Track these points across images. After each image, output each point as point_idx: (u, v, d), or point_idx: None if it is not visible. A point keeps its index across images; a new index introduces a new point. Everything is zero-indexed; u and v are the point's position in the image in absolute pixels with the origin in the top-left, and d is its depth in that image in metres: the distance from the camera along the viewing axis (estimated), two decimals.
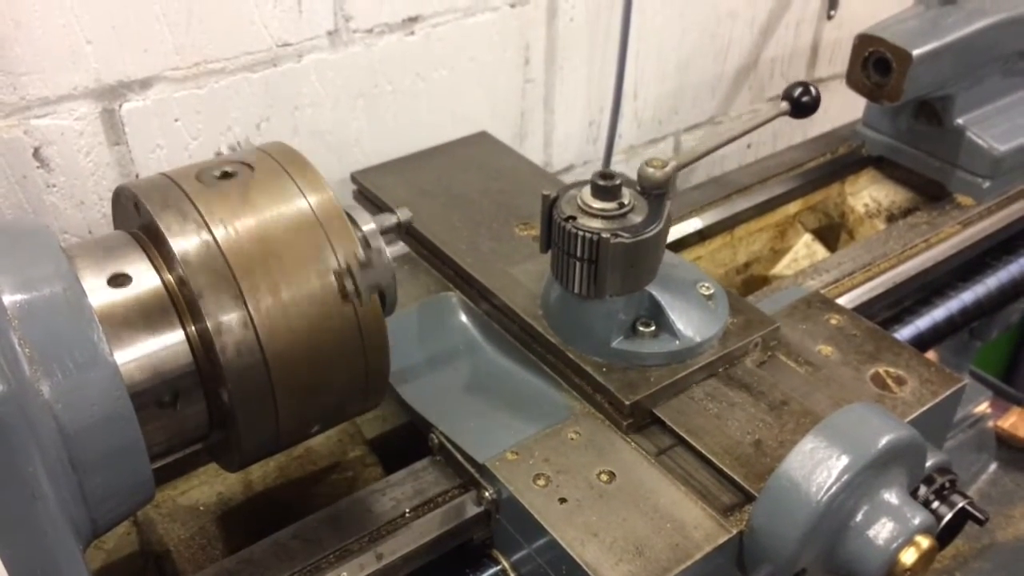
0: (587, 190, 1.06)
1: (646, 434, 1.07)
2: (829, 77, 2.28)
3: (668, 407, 1.07)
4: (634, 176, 1.07)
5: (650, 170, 1.05)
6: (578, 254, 1.04)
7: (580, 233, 1.03)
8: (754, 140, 2.23)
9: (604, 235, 1.02)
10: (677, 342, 1.09)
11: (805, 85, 1.12)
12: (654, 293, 1.10)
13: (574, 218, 1.04)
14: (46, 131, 1.27)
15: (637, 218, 1.05)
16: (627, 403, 1.04)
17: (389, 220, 0.96)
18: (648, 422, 1.07)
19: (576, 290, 1.07)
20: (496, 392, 1.14)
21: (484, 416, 1.10)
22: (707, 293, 1.14)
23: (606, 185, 1.05)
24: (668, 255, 1.13)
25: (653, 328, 1.10)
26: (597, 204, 1.05)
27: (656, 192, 1.06)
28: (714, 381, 1.11)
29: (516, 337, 1.19)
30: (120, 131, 1.33)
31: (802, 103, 1.12)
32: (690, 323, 1.10)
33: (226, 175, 0.86)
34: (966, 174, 1.57)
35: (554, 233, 1.06)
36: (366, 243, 0.89)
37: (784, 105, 1.13)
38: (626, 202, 1.05)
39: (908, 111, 1.62)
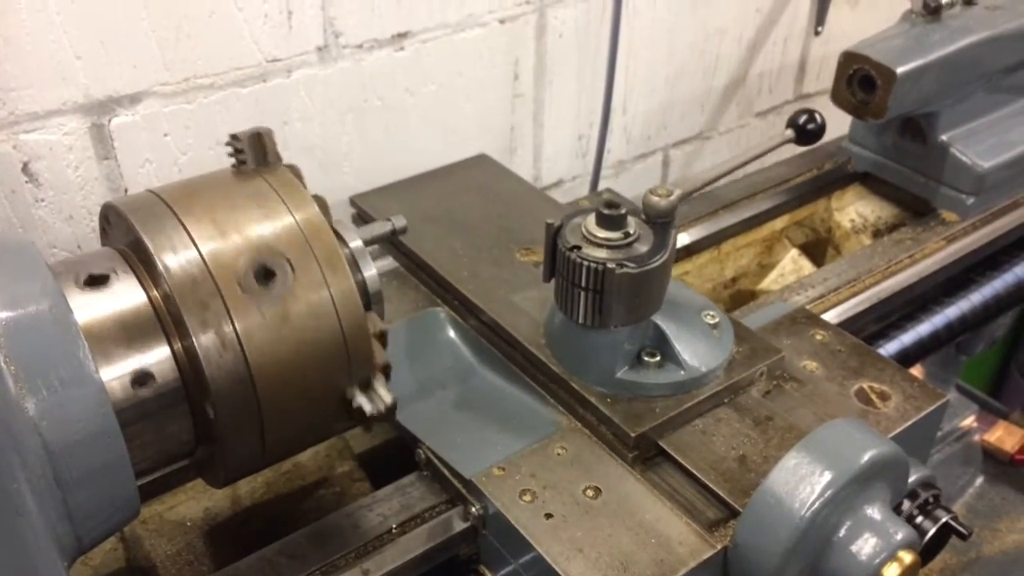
0: (592, 218, 1.05)
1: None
2: (816, 93, 2.30)
3: (674, 439, 1.06)
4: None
5: (655, 198, 1.04)
6: (583, 284, 1.03)
7: (585, 263, 1.01)
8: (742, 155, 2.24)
9: (609, 265, 1.00)
10: (683, 372, 1.08)
11: (810, 112, 1.12)
12: (659, 323, 1.09)
13: (579, 247, 1.03)
14: (35, 146, 1.28)
15: (643, 247, 1.04)
16: (632, 435, 1.03)
17: (384, 228, 0.97)
18: (654, 454, 1.06)
19: (580, 320, 1.05)
20: (483, 407, 1.15)
21: (471, 431, 1.10)
22: (712, 322, 1.13)
23: (611, 214, 1.03)
24: (672, 283, 1.11)
25: (658, 358, 1.09)
26: (602, 233, 1.03)
27: (661, 221, 1.05)
28: (720, 412, 1.09)
29: (519, 366, 1.17)
30: (109, 146, 1.34)
31: (807, 130, 1.13)
32: (696, 353, 1.09)
33: None
34: (950, 190, 1.59)
35: (558, 262, 1.05)
36: (355, 264, 0.89)
37: (789, 132, 1.13)
38: (631, 231, 1.04)
39: (893, 128, 1.63)
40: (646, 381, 1.08)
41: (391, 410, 0.87)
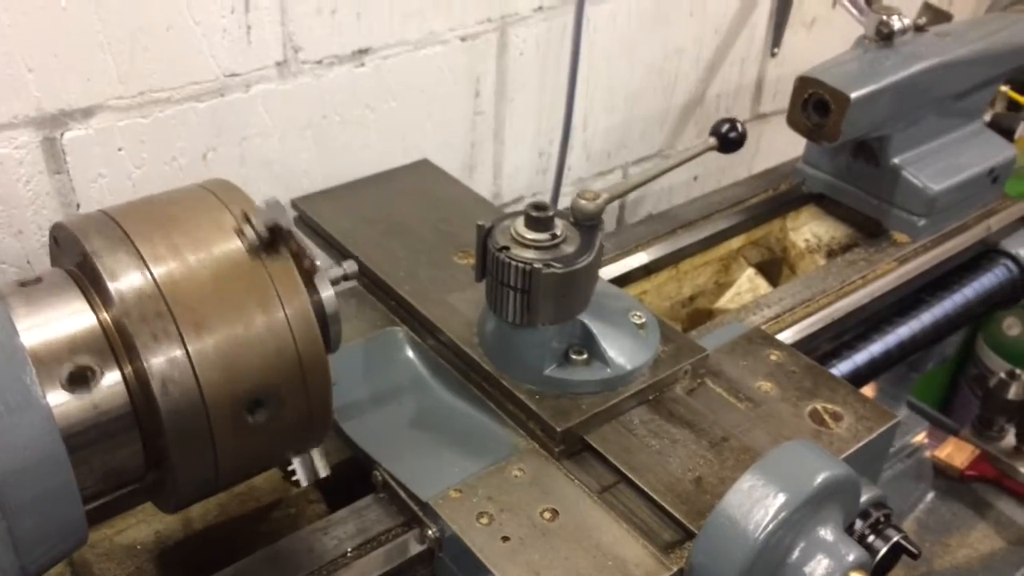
0: (521, 221, 1.08)
1: (587, 469, 1.07)
2: (772, 112, 2.33)
3: (600, 434, 1.09)
4: None
5: (582, 202, 1.09)
6: (511, 283, 1.06)
7: (513, 263, 1.05)
8: (700, 174, 2.27)
9: (536, 265, 1.04)
10: (608, 370, 1.11)
11: (732, 122, 1.17)
12: (586, 322, 1.12)
13: (508, 248, 1.06)
14: None
15: (570, 248, 1.08)
16: (559, 430, 1.06)
17: (336, 272, 0.97)
18: (579, 449, 1.09)
19: (510, 319, 1.09)
20: (441, 429, 1.14)
21: (428, 453, 1.10)
22: (639, 322, 1.17)
23: (539, 216, 1.07)
24: (602, 284, 1.15)
25: (585, 356, 1.12)
26: (530, 235, 1.07)
27: (588, 223, 1.10)
28: (646, 409, 1.13)
29: (452, 365, 1.20)
30: (61, 160, 1.31)
31: (729, 139, 1.18)
32: (622, 351, 1.12)
33: None
34: (902, 212, 1.62)
35: (488, 263, 1.08)
36: (311, 284, 0.89)
37: (712, 140, 1.19)
38: (559, 233, 1.08)
39: (847, 150, 1.66)
40: (573, 378, 1.11)
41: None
